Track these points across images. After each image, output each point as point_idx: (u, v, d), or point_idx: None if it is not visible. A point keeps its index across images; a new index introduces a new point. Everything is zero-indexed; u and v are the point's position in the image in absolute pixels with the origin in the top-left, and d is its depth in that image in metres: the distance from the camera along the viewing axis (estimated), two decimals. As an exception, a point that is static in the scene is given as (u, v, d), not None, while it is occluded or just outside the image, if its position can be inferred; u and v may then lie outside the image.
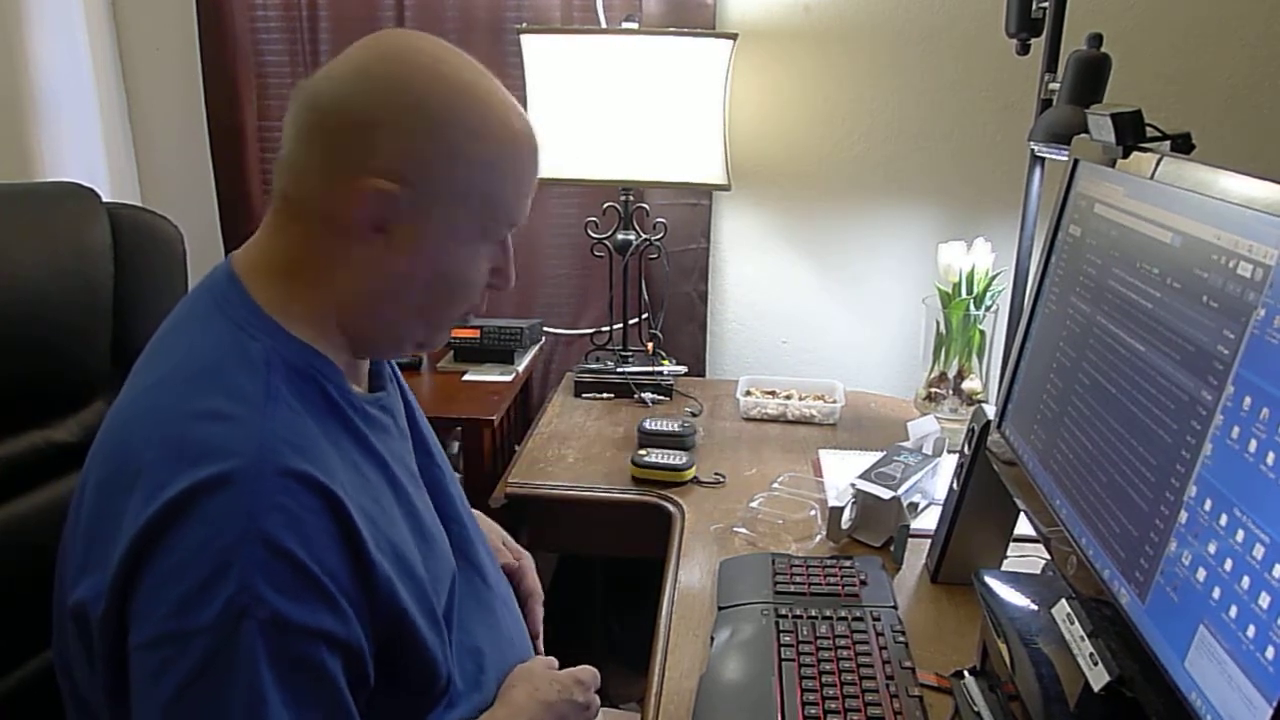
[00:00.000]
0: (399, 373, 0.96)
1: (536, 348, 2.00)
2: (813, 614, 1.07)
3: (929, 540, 1.23)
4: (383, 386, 0.88)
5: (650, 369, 1.84)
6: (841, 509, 1.26)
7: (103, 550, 0.68)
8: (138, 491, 0.67)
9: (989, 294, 1.55)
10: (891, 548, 1.25)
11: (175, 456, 0.67)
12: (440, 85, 0.75)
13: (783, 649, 1.01)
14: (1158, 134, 0.81)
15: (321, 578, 0.67)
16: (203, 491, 0.65)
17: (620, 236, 1.80)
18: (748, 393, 1.76)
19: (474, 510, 1.15)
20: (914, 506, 1.32)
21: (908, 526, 1.23)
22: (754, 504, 1.36)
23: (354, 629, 0.69)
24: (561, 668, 0.94)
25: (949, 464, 1.25)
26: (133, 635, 0.66)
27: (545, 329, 2.02)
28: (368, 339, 0.81)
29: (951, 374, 1.60)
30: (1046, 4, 1.31)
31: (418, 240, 0.76)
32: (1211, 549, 0.62)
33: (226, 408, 0.70)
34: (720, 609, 1.11)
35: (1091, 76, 1.18)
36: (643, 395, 1.81)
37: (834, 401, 1.74)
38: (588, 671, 0.93)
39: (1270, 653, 0.55)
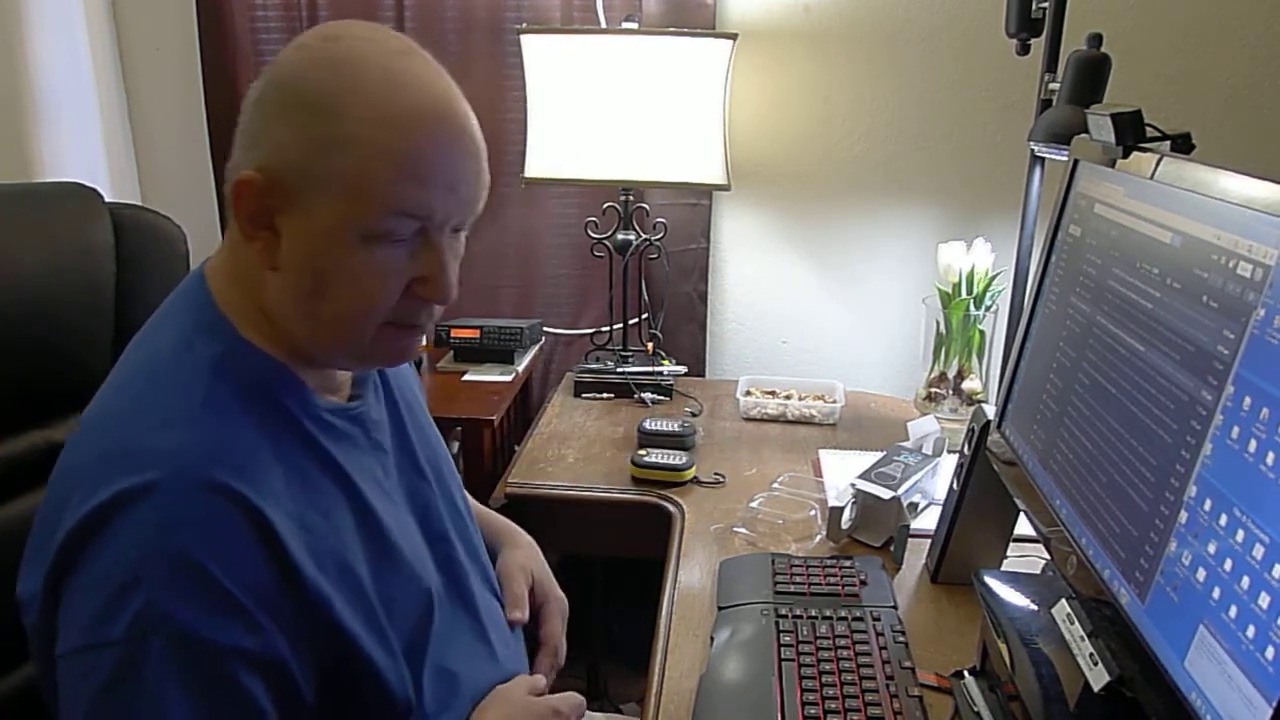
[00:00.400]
0: (392, 385, 0.91)
1: (536, 348, 2.00)
2: (813, 614, 1.07)
3: (929, 540, 1.22)
4: (359, 396, 0.84)
5: (650, 369, 1.83)
6: (841, 509, 1.26)
7: (40, 556, 0.68)
8: (73, 498, 0.67)
9: (989, 294, 1.55)
10: (891, 548, 1.25)
11: (106, 464, 0.67)
12: (320, 69, 0.71)
13: (783, 649, 1.01)
14: (1158, 134, 0.81)
15: (237, 594, 0.65)
16: (125, 501, 0.65)
17: (620, 236, 1.80)
18: (748, 393, 1.76)
19: (526, 539, 1.07)
20: (914, 506, 1.32)
21: (908, 526, 1.23)
22: (754, 504, 1.36)
23: (276, 646, 0.67)
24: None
25: (949, 464, 1.25)
26: (59, 643, 0.66)
27: (545, 329, 2.02)
28: (300, 345, 0.76)
29: (951, 374, 1.60)
30: (1046, 4, 1.31)
31: (297, 235, 0.72)
32: (1211, 549, 0.62)
33: (162, 415, 0.69)
34: (720, 609, 1.11)
35: (1091, 76, 1.18)
36: (643, 395, 1.81)
37: (834, 401, 1.74)
38: (568, 701, 0.88)
39: (1270, 653, 0.55)
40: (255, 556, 0.67)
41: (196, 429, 0.69)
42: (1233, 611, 0.58)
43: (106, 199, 1.00)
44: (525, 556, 1.05)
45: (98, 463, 0.67)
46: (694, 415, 1.74)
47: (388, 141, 0.69)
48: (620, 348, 1.88)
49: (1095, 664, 0.72)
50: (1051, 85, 1.28)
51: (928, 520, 1.27)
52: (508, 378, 1.85)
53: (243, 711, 0.66)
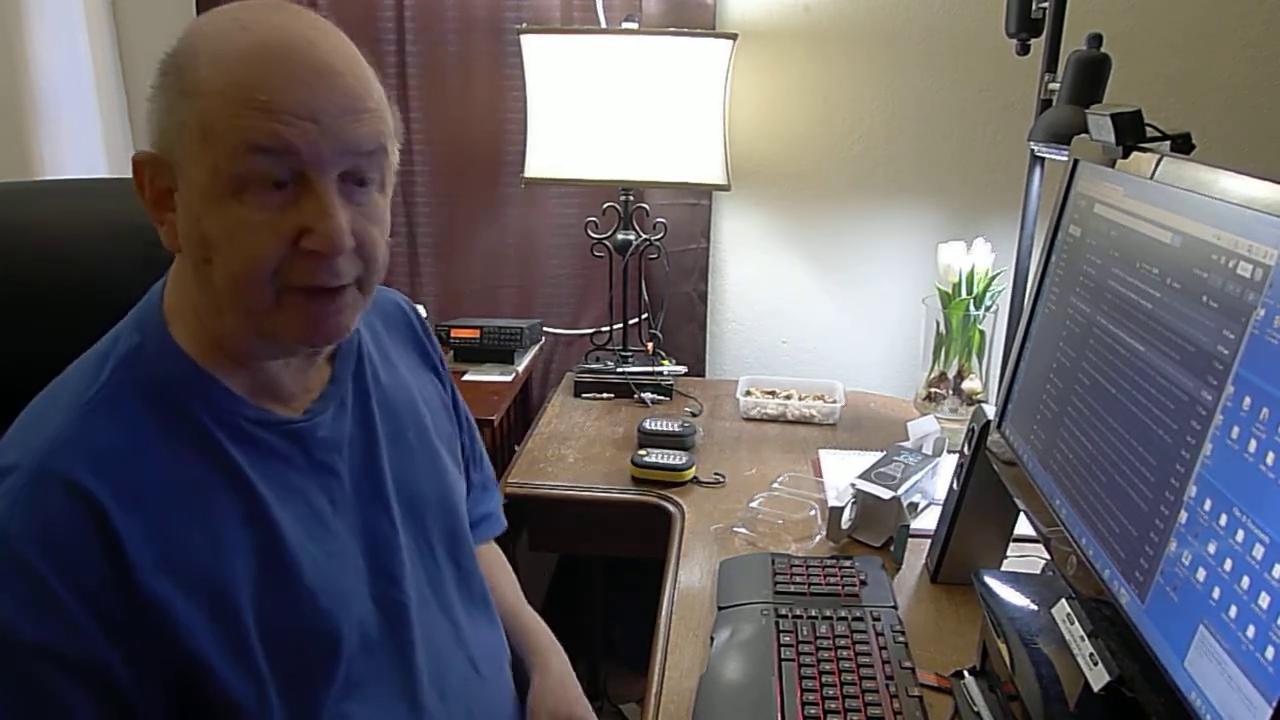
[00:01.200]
0: (375, 406, 0.84)
1: (536, 348, 2.00)
2: (813, 614, 1.07)
3: (929, 540, 1.23)
4: (314, 412, 0.79)
5: (650, 369, 1.83)
6: (841, 509, 1.26)
7: None
8: None
9: (989, 294, 1.55)
10: (891, 548, 1.25)
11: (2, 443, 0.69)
12: (184, 37, 0.71)
13: (783, 649, 1.01)
14: (1158, 134, 0.81)
15: (61, 594, 0.62)
16: None
17: (620, 236, 1.80)
18: (748, 393, 1.76)
19: (559, 664, 0.99)
20: (914, 506, 1.32)
21: (908, 526, 1.23)
22: (754, 504, 1.36)
23: (102, 655, 0.64)
24: None
25: (949, 464, 1.25)
26: None
27: (545, 329, 2.02)
28: (220, 337, 0.73)
29: (951, 374, 1.60)
30: (1046, 4, 1.31)
31: (182, 205, 0.70)
32: (1211, 549, 0.62)
33: (56, 403, 0.70)
34: (720, 609, 1.11)
35: (1091, 76, 1.18)
36: (643, 395, 1.81)
37: (834, 401, 1.74)
38: None
39: (1270, 653, 0.55)
40: (92, 561, 0.64)
41: (74, 422, 0.68)
42: (1233, 611, 0.58)
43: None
44: (556, 695, 0.96)
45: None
46: (694, 415, 1.74)
47: (227, 79, 0.67)
48: (620, 348, 1.88)
49: (1095, 664, 0.72)
50: (1051, 85, 1.28)
51: (928, 520, 1.27)
52: (508, 378, 1.85)
53: (47, 711, 0.63)
